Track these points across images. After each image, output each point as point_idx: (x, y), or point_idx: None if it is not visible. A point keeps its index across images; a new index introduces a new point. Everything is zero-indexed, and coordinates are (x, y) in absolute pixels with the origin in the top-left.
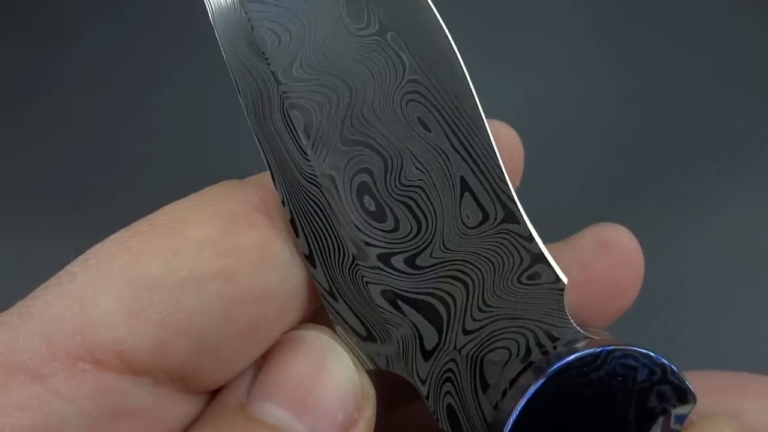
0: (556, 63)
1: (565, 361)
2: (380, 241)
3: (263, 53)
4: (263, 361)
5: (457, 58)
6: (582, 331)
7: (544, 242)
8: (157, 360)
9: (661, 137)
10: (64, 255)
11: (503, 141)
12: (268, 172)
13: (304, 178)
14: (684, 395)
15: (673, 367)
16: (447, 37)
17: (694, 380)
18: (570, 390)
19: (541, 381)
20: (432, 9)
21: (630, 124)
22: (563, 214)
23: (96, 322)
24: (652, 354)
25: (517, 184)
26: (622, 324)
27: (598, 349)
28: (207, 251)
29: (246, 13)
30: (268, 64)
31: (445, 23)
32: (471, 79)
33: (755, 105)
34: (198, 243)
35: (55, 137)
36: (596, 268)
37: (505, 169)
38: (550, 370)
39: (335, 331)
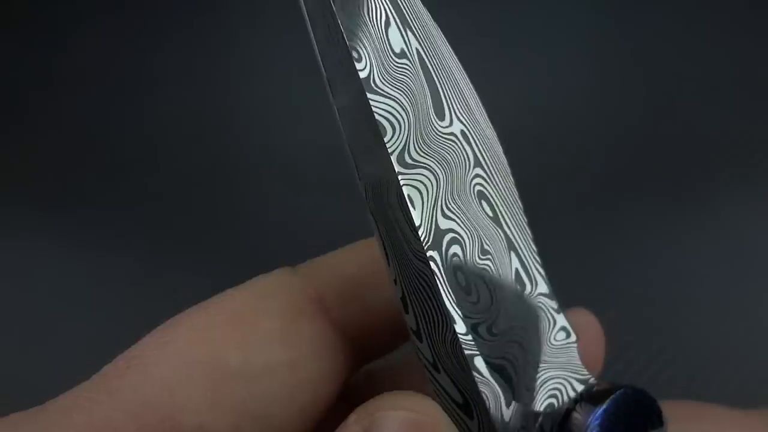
0: (557, 63)
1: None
2: (470, 312)
3: (385, 141)
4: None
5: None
6: (594, 378)
7: (546, 244)
8: None
9: (662, 137)
10: (64, 255)
11: (583, 329)
12: (325, 257)
13: (416, 258)
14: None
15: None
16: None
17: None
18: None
19: (601, 410)
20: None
21: (631, 124)
22: (564, 214)
23: (182, 409)
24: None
25: (599, 370)
26: (624, 323)
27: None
28: (276, 343)
29: (369, 105)
30: (390, 152)
31: (446, 21)
32: (472, 78)
33: (756, 105)
34: (269, 335)
35: (55, 137)
36: None
37: (581, 356)
38: (602, 408)
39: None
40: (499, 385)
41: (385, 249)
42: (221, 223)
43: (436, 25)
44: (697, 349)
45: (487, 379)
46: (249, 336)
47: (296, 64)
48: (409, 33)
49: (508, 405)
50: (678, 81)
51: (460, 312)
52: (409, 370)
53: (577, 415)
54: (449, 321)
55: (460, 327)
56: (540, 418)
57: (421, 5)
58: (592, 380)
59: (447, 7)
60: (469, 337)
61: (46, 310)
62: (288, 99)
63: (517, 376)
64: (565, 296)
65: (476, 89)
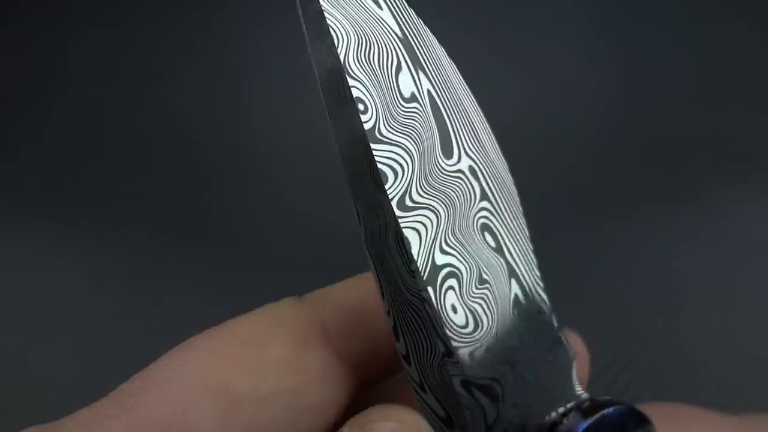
0: (558, 63)
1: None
2: (461, 339)
3: (386, 188)
4: None
5: (513, 186)
6: (585, 393)
7: (542, 242)
8: None
9: (662, 137)
10: (64, 254)
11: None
12: (330, 288)
13: (410, 293)
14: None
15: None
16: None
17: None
18: None
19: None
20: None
21: (631, 124)
22: (564, 214)
23: (194, 430)
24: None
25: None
26: (624, 323)
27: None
28: (284, 370)
29: (371, 153)
30: (390, 198)
31: (448, 22)
32: (474, 77)
33: (756, 105)
34: (276, 361)
35: (54, 137)
36: None
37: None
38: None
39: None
40: (485, 404)
41: (379, 281)
42: (221, 222)
43: (450, 61)
44: (696, 347)
45: (469, 397)
46: (258, 362)
47: (297, 64)
48: (421, 74)
49: (492, 420)
50: (679, 81)
51: (449, 342)
52: (400, 388)
53: (562, 427)
54: (437, 349)
55: (447, 354)
56: (526, 431)
57: (435, 41)
58: (584, 395)
59: (447, 7)
60: (456, 360)
61: (46, 310)
62: (288, 99)
63: (504, 394)
64: (566, 295)
65: (475, 89)
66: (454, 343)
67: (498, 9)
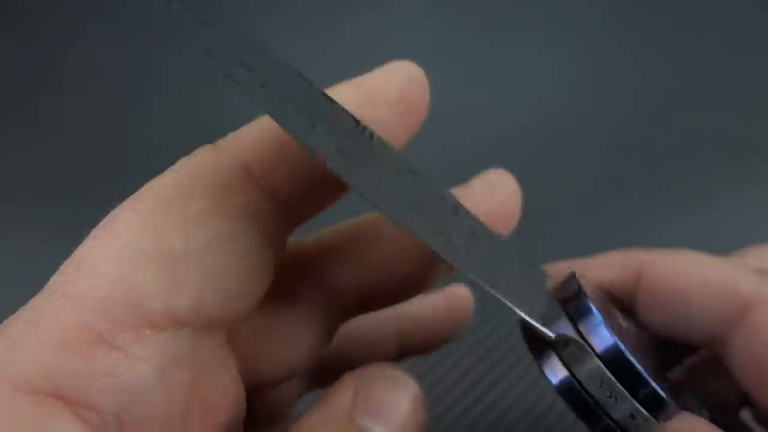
0: (558, 62)
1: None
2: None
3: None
4: (361, 386)
5: None
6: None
7: (542, 241)
8: (195, 313)
9: (662, 137)
10: (63, 254)
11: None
12: (243, 129)
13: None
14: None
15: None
16: None
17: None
18: None
19: None
20: None
21: (631, 123)
22: (564, 213)
23: (146, 296)
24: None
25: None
26: None
27: None
28: (212, 220)
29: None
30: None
31: (446, 22)
32: (473, 78)
33: (756, 104)
34: (203, 214)
35: (54, 137)
36: (486, 206)
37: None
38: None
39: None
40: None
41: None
42: None
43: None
44: None
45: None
46: (185, 218)
47: (297, 64)
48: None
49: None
50: (679, 80)
51: None
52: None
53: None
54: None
55: None
56: None
57: None
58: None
59: (448, 7)
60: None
61: None
62: None
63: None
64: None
65: (477, 90)
66: None
67: (498, 8)
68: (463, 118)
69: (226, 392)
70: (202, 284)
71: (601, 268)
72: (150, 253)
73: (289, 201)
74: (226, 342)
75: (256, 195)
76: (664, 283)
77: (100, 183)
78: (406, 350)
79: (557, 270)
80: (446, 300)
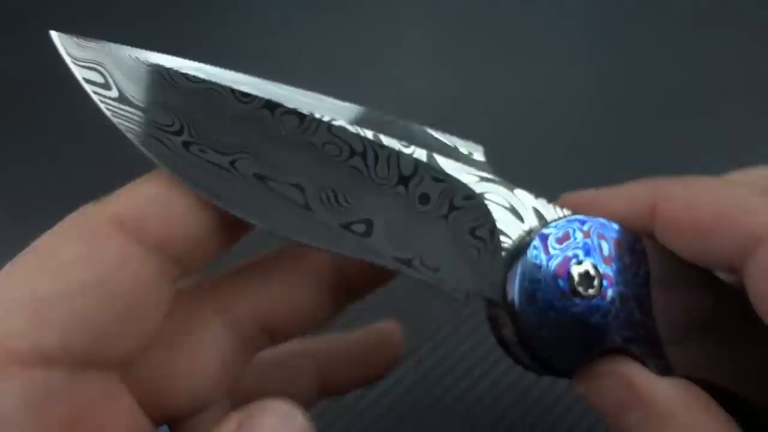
0: (557, 62)
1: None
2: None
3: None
4: (245, 419)
5: None
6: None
7: None
8: (65, 351)
9: (662, 136)
10: None
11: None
12: (132, 182)
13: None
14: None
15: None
16: None
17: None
18: None
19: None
20: None
21: (631, 123)
22: None
23: (14, 335)
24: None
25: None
26: None
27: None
28: (80, 265)
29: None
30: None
31: (446, 21)
32: (473, 78)
33: (756, 104)
34: (70, 260)
35: (54, 137)
36: None
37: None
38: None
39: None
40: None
41: None
42: None
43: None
44: None
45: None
46: (53, 264)
47: (298, 64)
48: None
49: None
50: (679, 80)
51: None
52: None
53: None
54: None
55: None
56: None
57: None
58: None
59: (448, 7)
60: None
61: None
62: None
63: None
64: None
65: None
66: None
67: (497, 9)
68: (463, 117)
69: (119, 426)
70: (70, 325)
71: (616, 199)
72: (19, 299)
73: (161, 246)
74: (119, 377)
75: (125, 241)
76: (679, 215)
77: (99, 183)
78: (328, 387)
79: (572, 198)
80: (372, 335)
